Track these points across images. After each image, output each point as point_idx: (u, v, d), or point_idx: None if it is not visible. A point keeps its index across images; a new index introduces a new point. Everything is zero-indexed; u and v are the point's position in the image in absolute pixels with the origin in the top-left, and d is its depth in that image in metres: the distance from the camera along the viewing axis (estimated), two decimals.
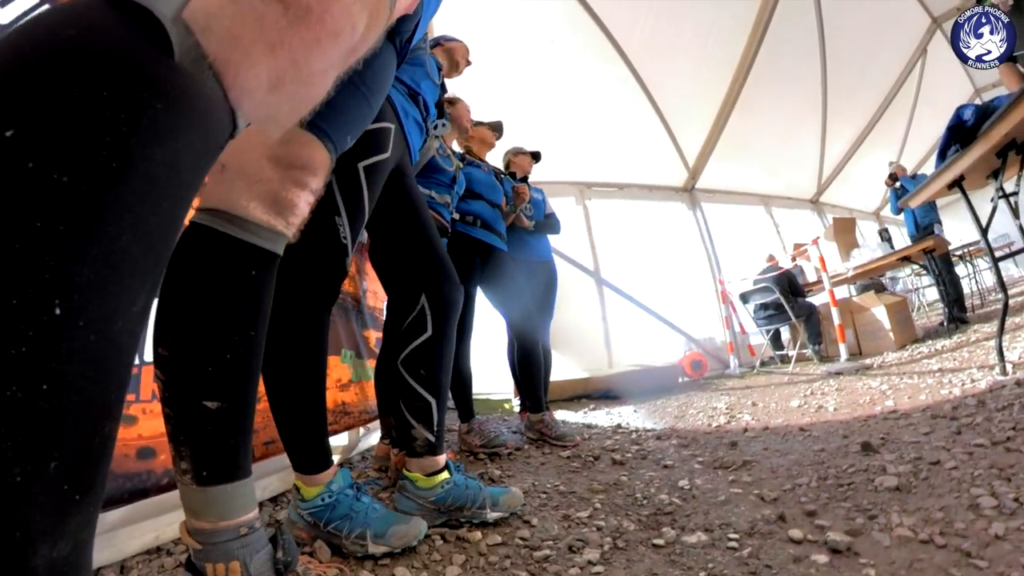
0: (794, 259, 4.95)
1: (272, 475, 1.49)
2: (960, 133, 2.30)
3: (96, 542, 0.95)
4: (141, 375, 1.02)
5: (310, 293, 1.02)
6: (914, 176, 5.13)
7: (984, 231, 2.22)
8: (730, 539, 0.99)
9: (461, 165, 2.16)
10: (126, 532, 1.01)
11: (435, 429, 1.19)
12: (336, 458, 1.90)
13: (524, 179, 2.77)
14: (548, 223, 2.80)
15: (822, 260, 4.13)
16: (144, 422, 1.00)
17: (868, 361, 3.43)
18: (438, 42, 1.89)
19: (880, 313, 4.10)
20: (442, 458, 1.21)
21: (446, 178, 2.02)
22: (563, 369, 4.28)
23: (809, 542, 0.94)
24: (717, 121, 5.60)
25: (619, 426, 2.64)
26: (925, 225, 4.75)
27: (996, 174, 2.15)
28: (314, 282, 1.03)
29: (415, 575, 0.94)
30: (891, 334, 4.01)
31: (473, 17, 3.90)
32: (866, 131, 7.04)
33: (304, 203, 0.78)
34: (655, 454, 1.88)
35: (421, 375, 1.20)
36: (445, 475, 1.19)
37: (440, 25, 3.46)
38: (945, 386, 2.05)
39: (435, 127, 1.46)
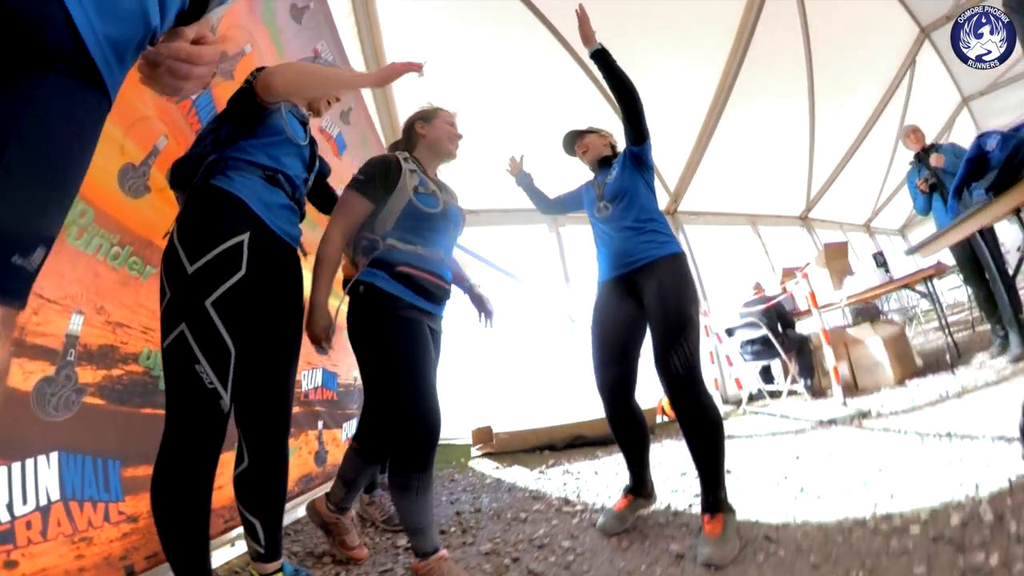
0: (784, 287, 4.53)
1: None
2: (982, 167, 1.97)
3: None
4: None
5: (190, 453, 1.02)
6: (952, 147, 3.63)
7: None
8: None
9: (447, 198, 1.62)
10: None
11: (262, 544, 1.25)
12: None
13: None
14: None
15: (812, 297, 3.72)
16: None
17: (865, 408, 3.00)
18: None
19: (876, 346, 3.70)
20: (274, 565, 1.27)
21: (436, 223, 1.50)
22: (528, 417, 3.86)
23: None
24: (698, 141, 5.26)
25: (567, 500, 2.21)
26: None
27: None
28: (192, 439, 1.02)
29: None
30: (889, 369, 3.61)
31: (445, 48, 3.64)
32: (855, 144, 6.73)
33: None
34: (580, 563, 1.46)
35: (244, 497, 1.25)
36: None
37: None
38: (954, 469, 1.61)
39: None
